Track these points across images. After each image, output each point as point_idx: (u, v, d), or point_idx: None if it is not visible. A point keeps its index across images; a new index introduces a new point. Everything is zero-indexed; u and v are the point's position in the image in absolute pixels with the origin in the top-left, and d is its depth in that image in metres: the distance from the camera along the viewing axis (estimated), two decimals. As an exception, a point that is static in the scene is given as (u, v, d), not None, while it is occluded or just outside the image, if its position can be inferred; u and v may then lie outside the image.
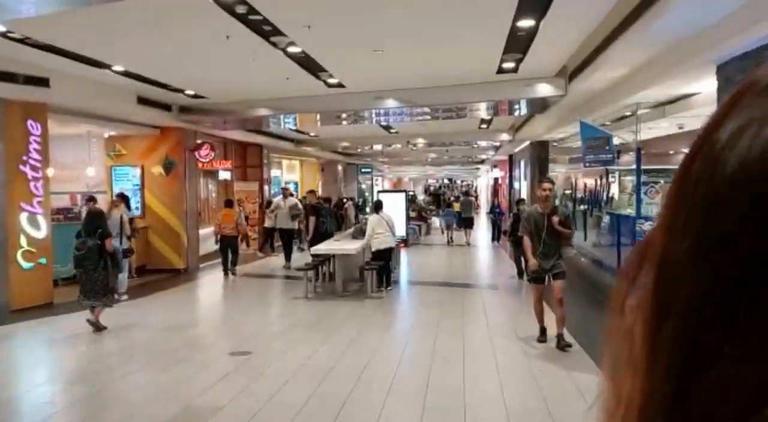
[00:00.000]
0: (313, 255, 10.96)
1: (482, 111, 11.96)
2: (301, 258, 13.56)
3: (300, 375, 5.99)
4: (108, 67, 8.51)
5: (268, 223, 15.19)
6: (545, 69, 9.01)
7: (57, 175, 13.75)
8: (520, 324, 8.09)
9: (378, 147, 22.91)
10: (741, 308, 0.30)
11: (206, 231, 15.29)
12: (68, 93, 9.27)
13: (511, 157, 24.91)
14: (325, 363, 6.27)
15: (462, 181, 57.53)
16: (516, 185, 23.11)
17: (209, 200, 16.24)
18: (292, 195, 16.18)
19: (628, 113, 10.18)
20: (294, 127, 16.06)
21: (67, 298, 10.24)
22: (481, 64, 8.55)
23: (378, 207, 10.95)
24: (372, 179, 38.77)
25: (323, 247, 10.61)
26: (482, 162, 38.15)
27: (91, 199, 12.68)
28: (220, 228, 12.81)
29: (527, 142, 18.26)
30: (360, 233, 11.36)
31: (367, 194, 34.30)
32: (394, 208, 18.43)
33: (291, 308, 9.50)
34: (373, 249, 10.63)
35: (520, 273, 11.21)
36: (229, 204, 13.34)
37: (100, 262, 7.73)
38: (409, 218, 19.66)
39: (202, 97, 11.14)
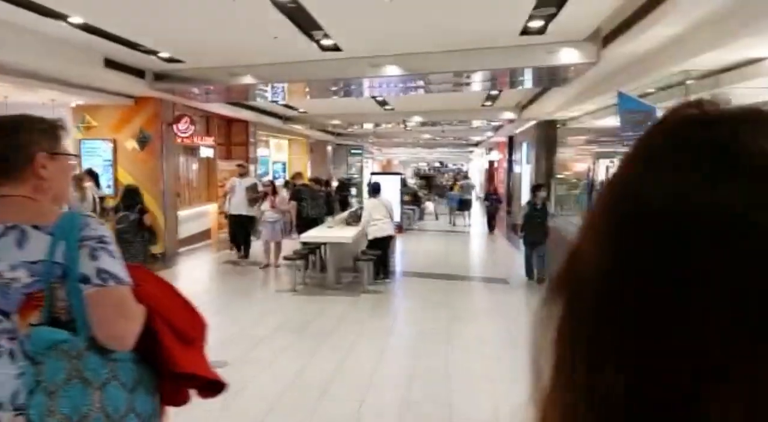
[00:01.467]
0: (302, 244, 9.76)
1: (494, 81, 10.65)
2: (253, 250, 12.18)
3: (288, 399, 4.80)
4: (63, 17, 7.17)
5: (225, 209, 12.35)
6: (576, 31, 7.78)
7: (19, 149, 12.45)
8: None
9: (369, 126, 21.57)
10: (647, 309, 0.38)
11: (187, 213, 14.03)
12: (22, 50, 7.91)
13: (511, 138, 23.74)
14: (318, 381, 5.08)
15: (453, 164, 56.30)
16: (517, 169, 21.93)
17: (190, 179, 14.93)
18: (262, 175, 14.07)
19: (650, 90, 9.04)
20: (282, 101, 14.75)
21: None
22: (506, 20, 7.30)
23: (375, 190, 9.76)
24: (362, 161, 37.48)
25: (313, 234, 9.39)
26: (476, 144, 36.91)
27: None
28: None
29: (532, 122, 17.10)
30: (355, 219, 10.15)
31: (355, 176, 33.07)
32: (388, 191, 17.40)
33: (277, 304, 8.30)
34: (370, 238, 9.45)
35: (530, 273, 9.83)
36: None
37: (138, 235, 8.36)
38: (403, 202, 18.49)
39: (178, 61, 9.82)
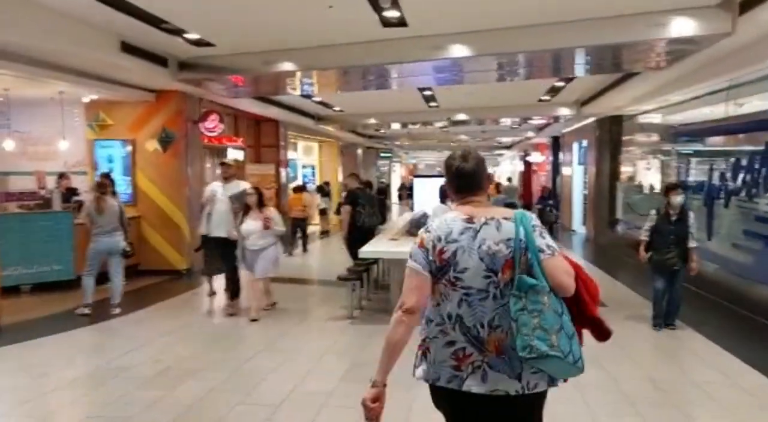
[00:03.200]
0: (356, 260, 8.20)
1: (584, 64, 8.92)
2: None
3: None
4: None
5: (202, 229, 8.37)
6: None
7: (28, 152, 11.12)
8: (700, 375, 5.32)
9: (397, 126, 19.87)
10: None
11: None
12: (24, 29, 6.45)
13: (556, 138, 22.08)
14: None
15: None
16: (566, 171, 20.20)
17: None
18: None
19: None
20: (318, 96, 13.27)
21: (30, 315, 7.53)
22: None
23: (445, 194, 8.15)
24: (390, 164, 35.98)
25: (375, 249, 7.78)
26: (509, 147, 35.18)
27: (62, 176, 10.02)
28: (291, 210, 14.11)
29: (590, 119, 15.44)
30: (417, 228, 8.55)
31: (382, 180, 31.64)
32: (432, 196, 15.76)
33: (332, 338, 6.71)
34: (440, 251, 7.88)
35: (660, 314, 6.84)
36: (298, 189, 14.79)
37: None
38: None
39: (208, 45, 8.31)
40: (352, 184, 9.51)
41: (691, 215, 6.73)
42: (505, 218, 2.24)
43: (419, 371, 2.30)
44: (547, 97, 14.09)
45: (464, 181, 2.36)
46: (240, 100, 12.43)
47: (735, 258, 8.01)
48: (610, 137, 14.51)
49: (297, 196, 14.44)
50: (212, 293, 8.90)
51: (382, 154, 30.99)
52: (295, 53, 8.57)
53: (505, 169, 42.47)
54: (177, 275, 10.56)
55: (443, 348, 2.21)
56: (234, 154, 13.66)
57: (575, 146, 18.93)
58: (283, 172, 16.07)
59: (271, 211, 7.60)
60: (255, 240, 7.38)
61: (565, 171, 20.32)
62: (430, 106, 15.38)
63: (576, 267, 2.25)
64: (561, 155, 21.35)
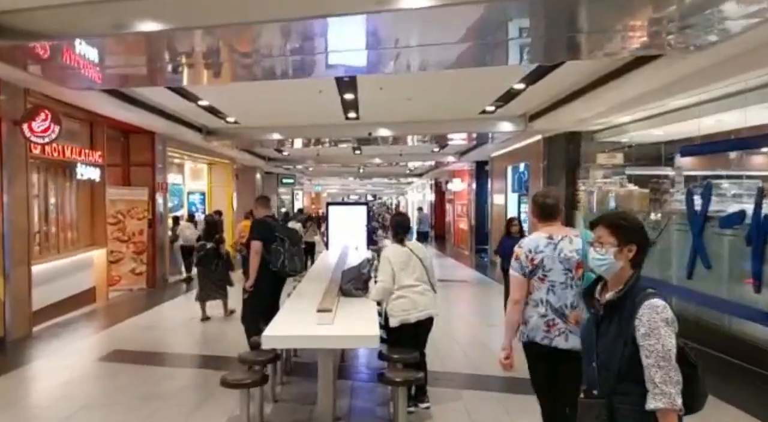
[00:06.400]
0: (255, 349, 4.95)
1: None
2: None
3: None
4: None
5: None
6: None
7: None
8: None
9: (301, 146, 16.81)
10: None
11: (50, 266, 8.87)
12: None
13: (481, 164, 19.82)
14: None
15: (386, 198, 52.44)
16: (498, 200, 17.72)
17: (60, 213, 9.75)
18: None
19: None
20: (203, 91, 10.07)
21: None
22: None
23: (401, 229, 5.12)
24: (293, 192, 32.71)
25: (289, 334, 4.33)
26: (420, 175, 32.91)
27: None
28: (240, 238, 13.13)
29: (534, 139, 13.15)
30: (360, 283, 5.40)
31: (282, 210, 28.34)
32: (353, 228, 12.86)
33: None
34: (395, 323, 4.81)
35: None
36: (249, 215, 12.88)
37: (215, 263, 8.99)
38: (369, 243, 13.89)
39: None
40: (261, 211, 6.34)
41: (650, 308, 2.15)
42: (576, 235, 3.45)
43: (522, 335, 3.46)
44: (491, 108, 11.60)
45: (546, 211, 3.58)
46: (96, 99, 8.99)
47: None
48: (567, 158, 12.16)
49: (248, 222, 11.63)
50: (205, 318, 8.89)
51: (284, 180, 27.68)
52: (169, 4, 5.38)
53: (414, 199, 40.22)
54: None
55: (538, 319, 3.37)
56: (88, 173, 10.03)
57: (509, 171, 16.65)
58: (159, 198, 12.54)
59: None
60: None
61: (497, 199, 17.93)
62: (348, 118, 12.48)
63: None
64: (490, 182, 18.96)
